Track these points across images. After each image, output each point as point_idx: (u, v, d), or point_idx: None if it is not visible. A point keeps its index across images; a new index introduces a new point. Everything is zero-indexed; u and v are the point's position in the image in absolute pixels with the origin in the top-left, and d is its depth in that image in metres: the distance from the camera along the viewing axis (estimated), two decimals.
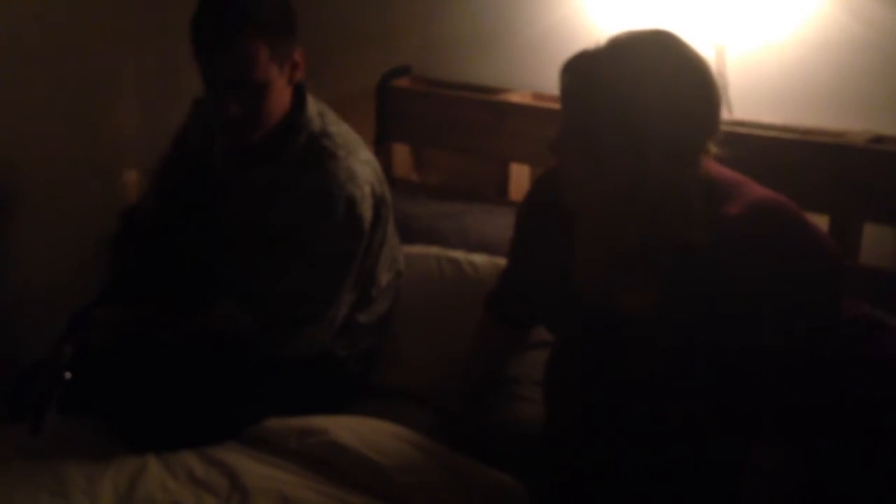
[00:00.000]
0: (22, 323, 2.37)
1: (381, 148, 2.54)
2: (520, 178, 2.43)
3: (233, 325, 1.94)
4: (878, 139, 1.98)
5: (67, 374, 1.78)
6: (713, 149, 1.43)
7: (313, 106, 1.97)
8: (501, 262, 2.07)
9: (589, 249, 1.56)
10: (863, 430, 1.50)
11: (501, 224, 2.22)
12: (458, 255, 2.18)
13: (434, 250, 2.21)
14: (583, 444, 1.57)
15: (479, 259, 2.15)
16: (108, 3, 2.46)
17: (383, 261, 2.07)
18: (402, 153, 2.59)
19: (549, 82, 2.33)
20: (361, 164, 1.96)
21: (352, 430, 1.86)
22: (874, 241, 1.99)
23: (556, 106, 2.24)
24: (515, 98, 2.38)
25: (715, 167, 1.48)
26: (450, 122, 2.43)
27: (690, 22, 1.99)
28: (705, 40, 1.94)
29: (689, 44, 1.42)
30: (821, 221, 1.70)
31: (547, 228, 1.63)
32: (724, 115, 1.45)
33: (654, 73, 1.39)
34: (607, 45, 1.42)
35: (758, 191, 1.47)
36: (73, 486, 1.74)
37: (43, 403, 1.76)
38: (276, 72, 1.86)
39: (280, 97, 1.90)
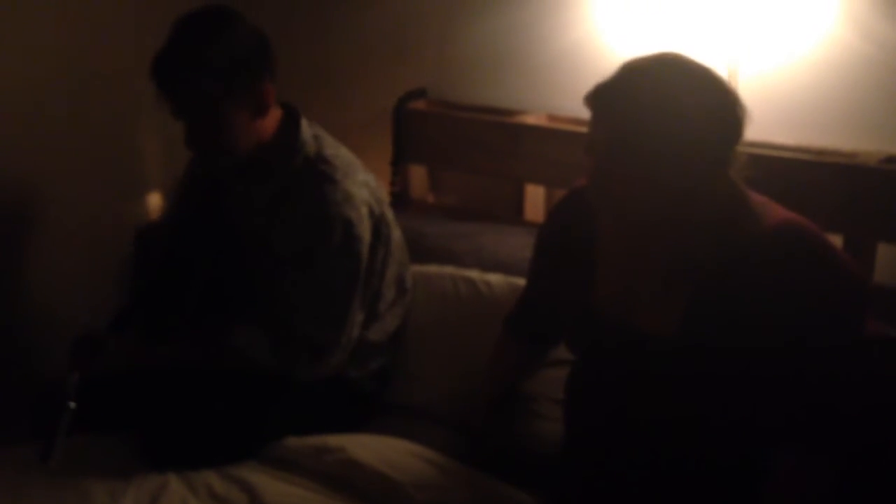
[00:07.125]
0: (45, 341, 2.39)
1: (397, 169, 2.57)
2: (535, 198, 2.45)
3: (249, 356, 1.95)
4: (891, 159, 1.99)
5: (72, 404, 1.79)
6: (741, 158, 1.44)
7: (307, 129, 1.99)
8: (516, 281, 2.09)
9: (612, 268, 1.57)
10: (886, 440, 1.51)
11: (516, 244, 2.24)
12: (474, 274, 2.19)
13: (449, 270, 2.23)
14: (603, 459, 1.58)
15: (495, 278, 2.16)
16: (131, 27, 2.49)
17: (388, 278, 2.08)
18: (418, 174, 2.61)
19: (564, 104, 2.40)
20: (358, 186, 1.97)
21: (369, 447, 1.87)
22: (888, 261, 2.00)
23: (571, 128, 2.32)
24: (531, 120, 2.39)
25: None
26: (466, 143, 2.45)
27: (703, 44, 2.01)
28: (718, 62, 1.95)
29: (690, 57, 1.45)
30: (834, 241, 1.71)
31: (569, 247, 1.64)
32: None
33: (682, 80, 1.40)
34: (622, 69, 1.43)
35: (781, 212, 1.48)
36: (95, 502, 1.76)
37: (51, 433, 1.78)
38: (227, 108, 1.88)
39: (243, 127, 1.92)
